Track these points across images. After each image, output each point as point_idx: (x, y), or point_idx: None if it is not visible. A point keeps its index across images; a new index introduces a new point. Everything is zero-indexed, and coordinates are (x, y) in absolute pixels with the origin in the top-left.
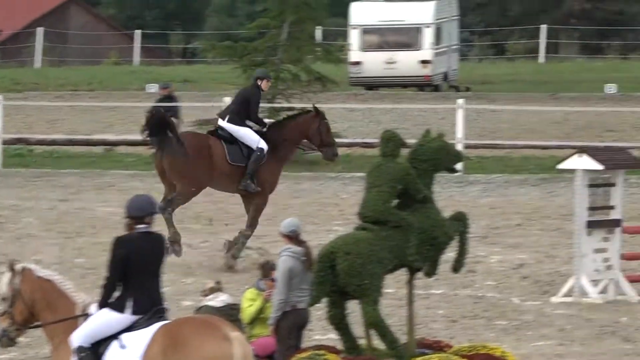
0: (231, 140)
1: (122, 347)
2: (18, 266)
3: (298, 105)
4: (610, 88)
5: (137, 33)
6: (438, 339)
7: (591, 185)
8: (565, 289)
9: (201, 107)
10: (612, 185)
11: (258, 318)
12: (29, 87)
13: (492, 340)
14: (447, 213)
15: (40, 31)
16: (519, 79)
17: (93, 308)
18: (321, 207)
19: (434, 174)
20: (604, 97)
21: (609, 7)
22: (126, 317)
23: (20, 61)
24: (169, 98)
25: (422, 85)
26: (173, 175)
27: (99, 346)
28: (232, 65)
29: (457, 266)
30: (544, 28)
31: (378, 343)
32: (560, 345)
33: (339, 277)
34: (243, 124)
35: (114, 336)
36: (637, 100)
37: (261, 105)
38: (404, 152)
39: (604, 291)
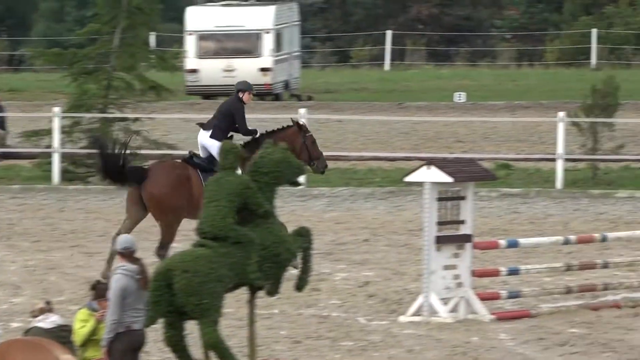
0: (207, 168)
1: None
2: None
3: (131, 115)
4: (460, 96)
5: None
6: None
7: (440, 199)
8: (413, 307)
9: (28, 118)
10: (462, 198)
11: (90, 340)
12: None
13: None
14: (290, 228)
15: None
16: (364, 87)
17: None
18: (155, 223)
19: (275, 187)
20: (453, 106)
21: (457, 12)
22: None
23: None
24: None
25: (262, 95)
26: (153, 206)
27: None
28: (61, 74)
29: (300, 284)
30: (389, 34)
31: None
32: None
33: (177, 296)
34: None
35: None
36: (487, 110)
37: (94, 116)
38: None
39: (454, 310)
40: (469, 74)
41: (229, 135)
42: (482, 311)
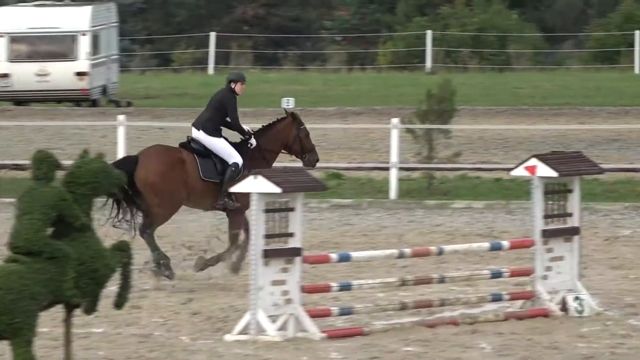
0: (205, 153)
1: None
2: None
3: None
4: (288, 102)
5: None
6: None
7: (268, 210)
8: (240, 325)
9: None
10: (291, 210)
11: None
12: None
13: None
14: (108, 242)
15: None
16: (187, 92)
17: None
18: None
19: (93, 198)
20: (281, 113)
21: (285, 13)
22: None
23: None
24: None
25: (78, 100)
26: (148, 192)
27: None
28: None
29: (119, 302)
30: (213, 36)
31: None
32: None
33: None
34: (218, 134)
35: None
36: (317, 116)
37: None
38: (60, 174)
39: (283, 328)
40: (297, 78)
41: (220, 129)
42: (312, 329)
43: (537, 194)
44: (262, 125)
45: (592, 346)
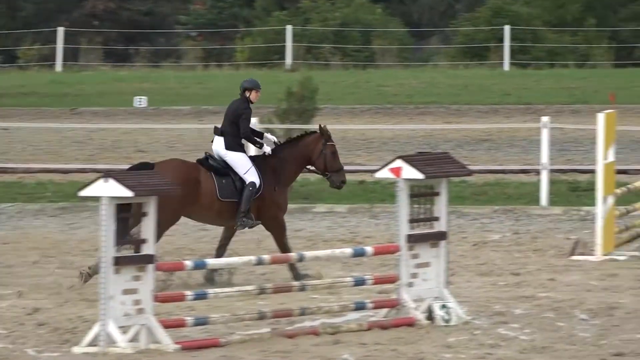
0: (223, 171)
1: None
2: None
3: None
4: (140, 101)
5: None
6: None
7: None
8: (89, 337)
9: None
10: (144, 214)
11: None
12: None
13: None
14: None
15: None
16: (33, 91)
17: None
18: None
19: None
20: (133, 112)
21: (137, 7)
22: None
23: None
24: None
25: None
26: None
27: None
28: None
29: None
30: (61, 31)
31: None
32: None
33: None
34: (239, 148)
35: None
36: (171, 115)
37: None
38: None
39: (134, 339)
40: (150, 75)
41: (241, 143)
42: (166, 340)
43: (402, 197)
44: (289, 138)
45: (459, 356)
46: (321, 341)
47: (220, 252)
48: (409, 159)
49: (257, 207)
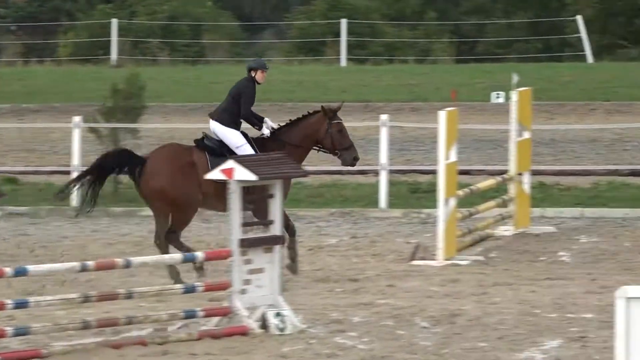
0: (218, 152)
1: None
2: None
3: None
4: None
5: None
6: None
7: None
8: None
9: None
10: None
11: None
12: None
13: None
14: None
15: None
16: None
17: None
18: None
19: None
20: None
21: None
22: None
23: None
24: None
25: None
26: (156, 201)
27: None
28: None
29: None
30: None
31: None
32: None
33: None
34: (235, 126)
35: None
36: None
37: None
38: None
39: None
40: None
41: (237, 121)
42: None
43: (235, 200)
44: (290, 120)
45: None
46: (149, 352)
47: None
48: (242, 160)
49: None
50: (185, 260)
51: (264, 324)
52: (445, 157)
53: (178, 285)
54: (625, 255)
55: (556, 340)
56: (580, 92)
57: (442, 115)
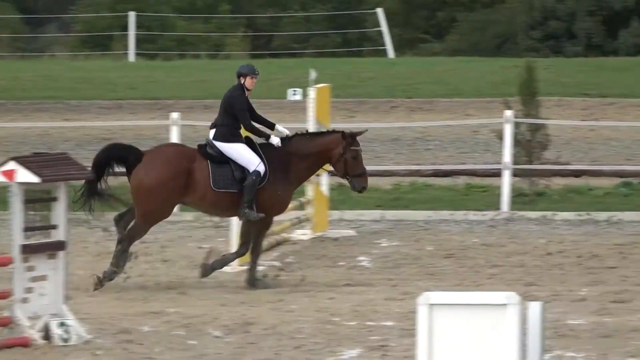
0: (221, 160)
1: None
2: None
3: None
4: None
5: None
6: None
7: None
8: None
9: None
10: None
11: None
12: None
13: None
14: None
15: None
16: None
17: None
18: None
19: None
20: None
21: None
22: None
23: None
24: None
25: None
26: (140, 198)
27: None
28: None
29: None
30: None
31: None
32: None
33: None
34: (235, 139)
35: None
36: None
37: None
38: None
39: None
40: None
41: (237, 133)
42: None
43: (17, 203)
44: (307, 131)
45: None
46: None
47: (253, 251)
48: (24, 161)
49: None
50: None
51: (47, 335)
52: None
53: None
54: (428, 259)
55: (356, 350)
56: (382, 89)
57: None
